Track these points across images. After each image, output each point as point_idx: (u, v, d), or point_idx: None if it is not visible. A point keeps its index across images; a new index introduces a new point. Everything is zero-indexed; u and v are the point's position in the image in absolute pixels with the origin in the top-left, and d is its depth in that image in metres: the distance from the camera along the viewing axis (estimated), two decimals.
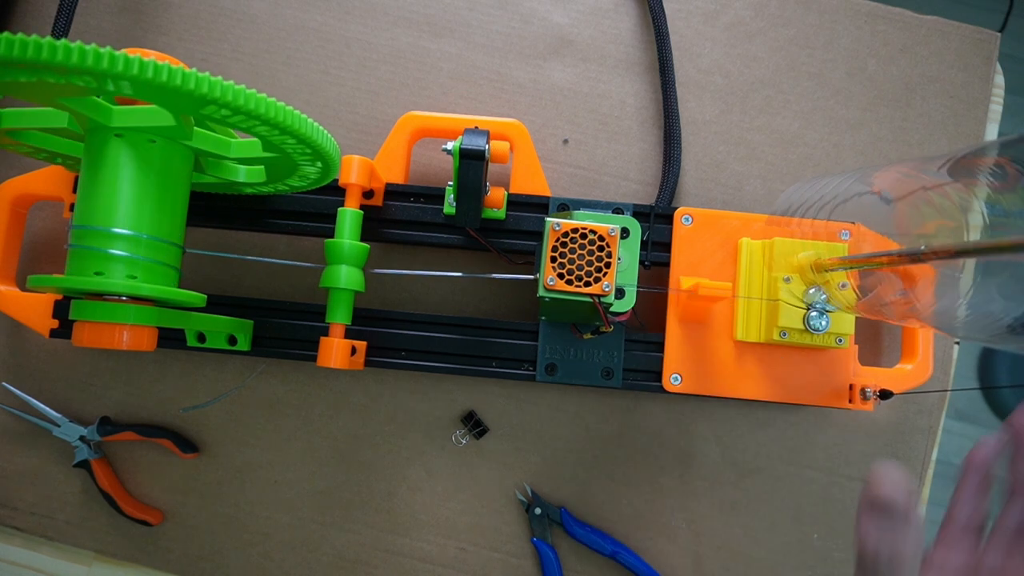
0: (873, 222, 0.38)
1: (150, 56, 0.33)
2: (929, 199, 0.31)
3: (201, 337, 0.48)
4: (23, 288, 0.50)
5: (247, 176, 0.44)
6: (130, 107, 0.37)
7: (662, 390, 0.47)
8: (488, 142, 0.44)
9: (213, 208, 0.50)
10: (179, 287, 0.40)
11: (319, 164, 0.42)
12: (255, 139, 0.40)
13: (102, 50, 0.28)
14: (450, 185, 0.48)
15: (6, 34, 0.28)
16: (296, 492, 0.52)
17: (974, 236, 0.28)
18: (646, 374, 0.48)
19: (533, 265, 0.47)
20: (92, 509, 0.52)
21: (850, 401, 0.47)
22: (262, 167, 0.44)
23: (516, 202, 0.49)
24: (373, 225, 0.49)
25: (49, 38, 0.28)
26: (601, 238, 0.39)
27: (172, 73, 0.30)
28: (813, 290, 0.44)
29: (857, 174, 0.37)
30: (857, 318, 0.45)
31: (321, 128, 0.38)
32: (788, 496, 0.52)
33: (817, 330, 0.44)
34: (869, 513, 0.30)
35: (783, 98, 0.56)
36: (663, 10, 0.55)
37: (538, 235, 0.48)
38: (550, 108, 0.56)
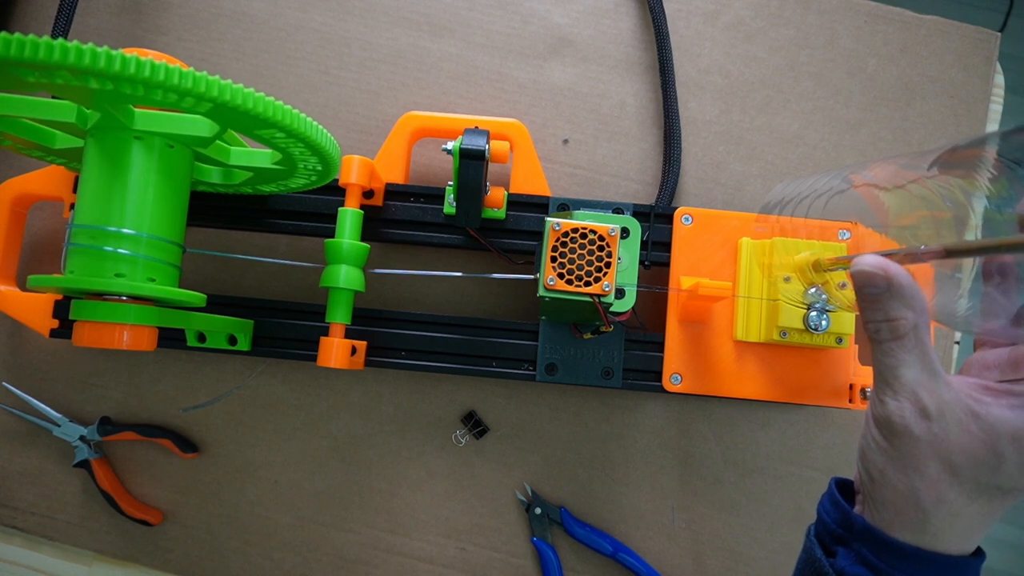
0: (858, 215, 0.38)
1: (161, 58, 0.33)
2: (915, 191, 0.31)
3: (201, 337, 0.48)
4: (23, 288, 0.50)
5: (219, 177, 0.45)
6: (160, 113, 0.37)
7: (662, 390, 0.47)
8: (488, 142, 0.44)
9: (213, 208, 0.50)
10: (179, 287, 0.40)
11: (314, 178, 0.43)
12: (266, 150, 0.40)
13: (198, 74, 0.30)
14: (450, 185, 0.48)
15: (121, 53, 0.28)
16: (296, 492, 0.52)
17: (967, 232, 0.28)
18: (646, 374, 0.48)
19: (533, 265, 0.47)
20: (92, 509, 0.52)
21: (850, 401, 0.47)
22: (248, 174, 0.44)
23: (516, 202, 0.49)
24: (373, 225, 0.49)
25: (150, 57, 0.28)
26: (601, 238, 0.39)
27: (256, 101, 0.32)
28: (813, 290, 0.44)
29: (843, 171, 0.37)
30: (857, 318, 0.45)
31: (332, 138, 0.39)
32: (788, 496, 0.52)
33: (817, 330, 0.44)
34: (861, 300, 0.29)
35: (783, 98, 0.56)
36: (663, 10, 0.55)
37: (538, 235, 0.48)
38: (550, 108, 0.56)
